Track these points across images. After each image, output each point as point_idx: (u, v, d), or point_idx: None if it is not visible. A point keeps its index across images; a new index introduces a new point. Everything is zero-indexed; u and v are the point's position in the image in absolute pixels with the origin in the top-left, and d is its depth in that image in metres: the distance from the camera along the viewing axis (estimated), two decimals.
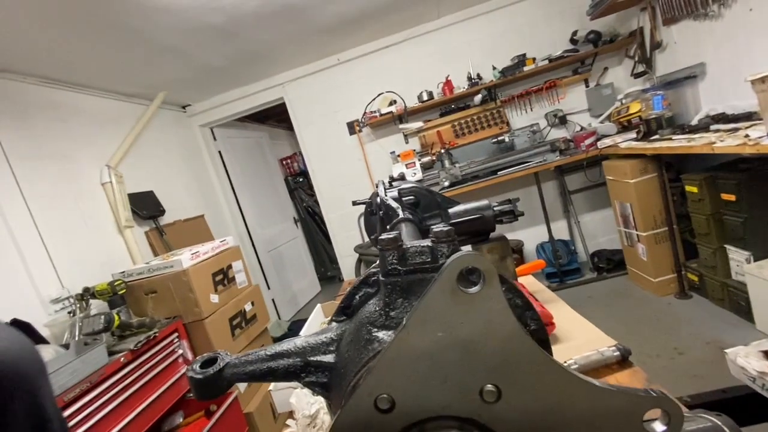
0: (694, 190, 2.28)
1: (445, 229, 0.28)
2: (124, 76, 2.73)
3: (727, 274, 2.24)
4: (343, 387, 0.29)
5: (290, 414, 0.85)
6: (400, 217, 0.77)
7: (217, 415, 1.97)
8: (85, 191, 2.46)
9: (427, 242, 0.29)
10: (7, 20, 1.78)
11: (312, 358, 0.31)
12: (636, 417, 0.21)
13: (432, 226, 0.30)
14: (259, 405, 2.26)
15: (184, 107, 3.79)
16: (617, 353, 0.73)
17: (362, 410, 0.22)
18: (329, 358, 0.31)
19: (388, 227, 0.79)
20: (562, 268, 3.28)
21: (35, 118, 2.29)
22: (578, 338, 0.84)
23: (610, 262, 3.20)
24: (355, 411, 0.22)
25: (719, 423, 0.50)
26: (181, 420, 2.09)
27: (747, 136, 1.72)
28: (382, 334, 0.28)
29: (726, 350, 1.05)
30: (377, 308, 0.29)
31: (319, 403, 0.78)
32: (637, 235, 2.71)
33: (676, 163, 2.70)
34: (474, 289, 0.21)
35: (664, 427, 0.21)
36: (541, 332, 0.34)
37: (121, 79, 2.76)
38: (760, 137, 1.64)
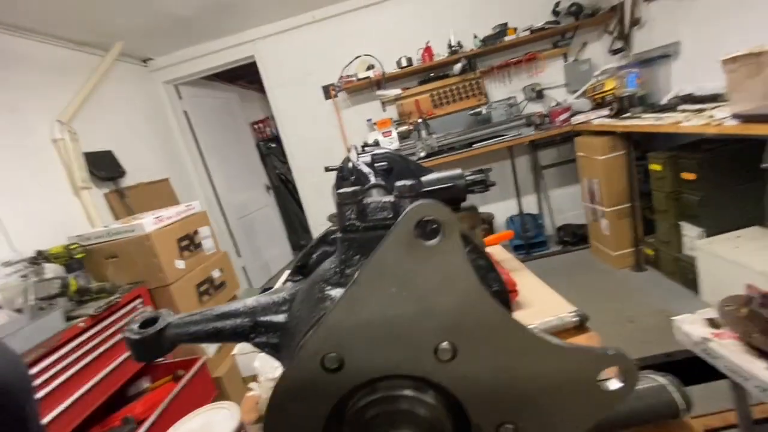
0: (658, 168, 2.36)
1: (409, 183, 0.26)
2: (75, 21, 2.47)
3: (680, 249, 2.38)
4: (292, 347, 0.27)
5: (254, 378, 0.85)
6: (372, 182, 0.74)
7: (185, 380, 1.96)
8: (34, 147, 2.27)
9: (389, 198, 0.27)
10: None
11: (261, 318, 0.29)
12: (592, 375, 0.20)
13: (396, 182, 0.27)
14: (228, 370, 2.27)
15: (145, 61, 3.51)
16: (576, 318, 0.76)
17: (308, 370, 0.20)
18: (280, 317, 0.29)
19: None
20: (529, 241, 3.38)
21: None
22: (540, 305, 0.87)
23: (575, 236, 3.33)
24: (301, 370, 0.20)
25: (666, 382, 0.53)
26: (147, 385, 2.07)
27: (711, 116, 1.78)
28: (335, 292, 0.26)
29: (673, 318, 1.13)
30: (333, 266, 0.27)
31: None
32: (602, 210, 2.81)
33: (644, 141, 2.78)
34: (432, 242, 0.19)
35: (620, 385, 0.21)
36: (502, 294, 0.33)
37: (71, 25, 2.49)
38: (723, 118, 1.69)
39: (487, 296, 0.20)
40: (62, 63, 2.61)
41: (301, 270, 0.33)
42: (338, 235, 0.27)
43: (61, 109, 2.47)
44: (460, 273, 0.19)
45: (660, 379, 0.53)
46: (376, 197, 0.28)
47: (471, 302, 0.19)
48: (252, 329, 0.29)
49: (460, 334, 0.20)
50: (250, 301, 0.31)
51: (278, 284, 1.24)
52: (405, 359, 0.20)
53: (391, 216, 0.27)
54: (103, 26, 2.64)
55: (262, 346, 0.29)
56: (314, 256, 0.33)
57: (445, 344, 0.20)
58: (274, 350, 0.29)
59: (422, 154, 3.13)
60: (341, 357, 0.20)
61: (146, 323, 0.29)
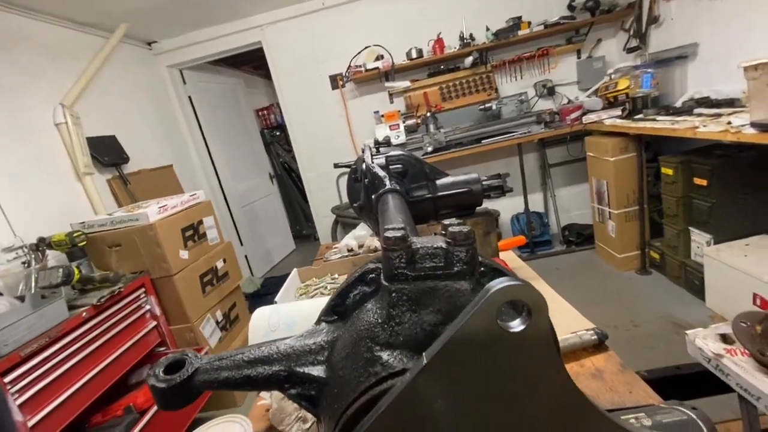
0: (670, 172, 2.33)
1: (464, 230, 0.23)
2: (78, 1, 2.40)
3: (687, 255, 2.36)
4: (335, 410, 0.24)
5: None
6: (387, 187, 0.71)
7: None
8: (36, 131, 2.23)
9: (440, 243, 0.25)
10: None
11: (298, 369, 0.27)
12: None
13: (448, 227, 0.25)
14: None
15: (149, 44, 3.44)
16: (594, 337, 0.74)
17: None
18: (318, 371, 0.27)
19: (373, 197, 0.74)
20: (534, 240, 3.37)
21: None
22: (556, 319, 0.85)
23: (580, 236, 3.31)
24: None
25: (695, 417, 0.52)
26: None
27: (729, 123, 1.74)
28: (386, 356, 0.24)
29: (686, 331, 1.11)
30: (379, 319, 0.25)
31: None
32: (609, 212, 2.79)
33: (655, 143, 2.74)
34: (516, 326, 0.17)
35: None
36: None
37: (74, 5, 2.42)
38: (742, 125, 1.65)
39: (580, 394, 0.17)
40: (65, 44, 2.55)
41: (336, 309, 0.30)
42: (384, 283, 0.25)
43: (64, 92, 2.42)
44: (548, 365, 0.17)
45: (689, 413, 0.51)
46: (425, 242, 0.25)
47: (561, 401, 0.17)
48: (287, 379, 0.27)
49: None
50: (284, 347, 0.28)
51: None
52: None
53: (442, 264, 0.24)
54: (106, 6, 2.57)
55: (297, 398, 0.27)
56: (351, 296, 0.30)
57: None
58: (310, 404, 0.27)
59: (429, 149, 3.09)
60: None
61: (171, 367, 0.27)
